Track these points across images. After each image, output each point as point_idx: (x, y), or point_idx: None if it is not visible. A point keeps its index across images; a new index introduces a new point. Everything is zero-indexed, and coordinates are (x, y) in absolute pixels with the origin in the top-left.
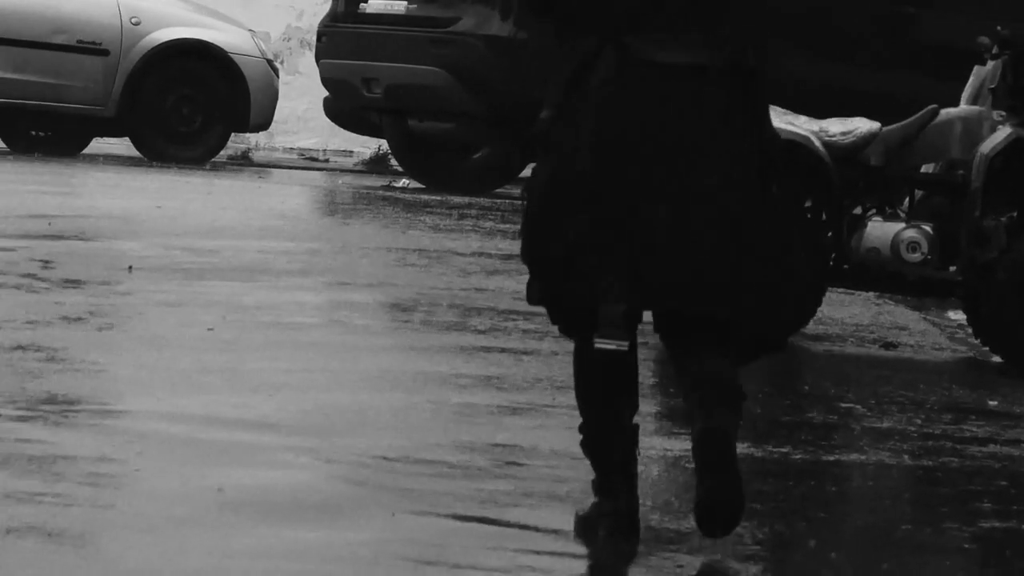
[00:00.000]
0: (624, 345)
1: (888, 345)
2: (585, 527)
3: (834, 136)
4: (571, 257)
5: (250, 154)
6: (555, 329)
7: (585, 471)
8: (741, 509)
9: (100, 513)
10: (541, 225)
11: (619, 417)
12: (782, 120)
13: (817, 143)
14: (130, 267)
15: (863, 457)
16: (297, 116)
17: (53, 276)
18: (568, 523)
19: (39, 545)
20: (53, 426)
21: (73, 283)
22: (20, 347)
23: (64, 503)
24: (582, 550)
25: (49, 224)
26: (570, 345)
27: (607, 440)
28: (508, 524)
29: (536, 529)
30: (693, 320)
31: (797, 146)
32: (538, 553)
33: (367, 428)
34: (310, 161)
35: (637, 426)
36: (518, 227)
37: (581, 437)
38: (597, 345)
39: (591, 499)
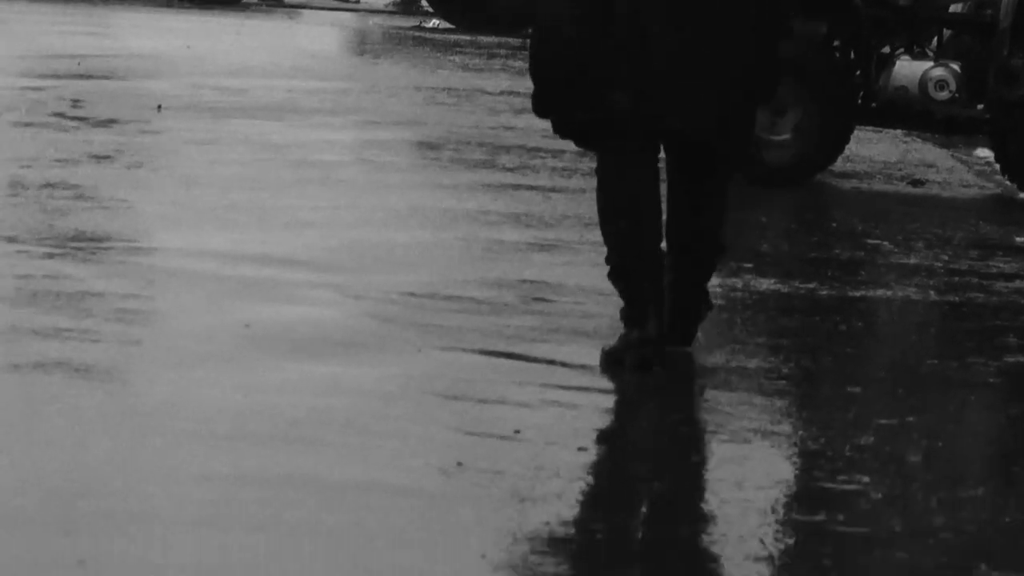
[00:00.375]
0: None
1: (916, 182)
2: (610, 361)
3: None
4: (581, 69)
5: None
6: (583, 166)
7: (612, 307)
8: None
9: (127, 349)
10: (552, 39)
11: (643, 237)
12: None
13: None
14: (159, 106)
15: (889, 293)
16: None
17: (82, 115)
18: (594, 358)
19: (66, 380)
20: (81, 263)
21: (102, 122)
22: (49, 185)
23: (92, 339)
24: (608, 384)
25: (78, 64)
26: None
27: (633, 263)
28: (534, 359)
29: (563, 364)
30: (692, 147)
31: None
32: (564, 388)
33: (394, 265)
34: (341, 2)
35: (663, 252)
36: None
37: (608, 268)
38: (611, 158)
39: (618, 333)
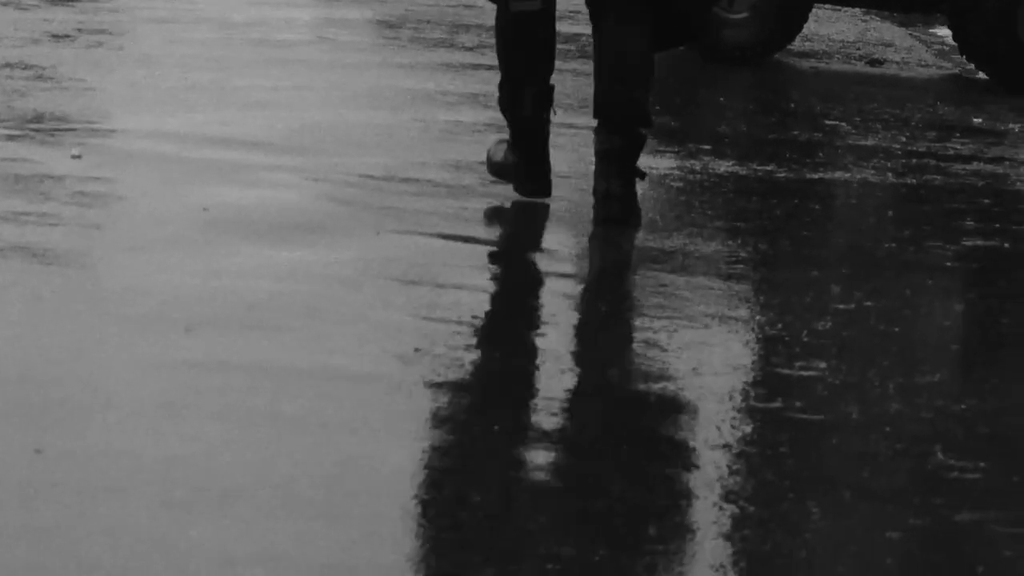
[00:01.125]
0: (536, 5)
1: (874, 62)
2: (500, 170)
3: None
4: None
5: None
6: None
7: (570, 189)
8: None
9: (86, 232)
10: None
11: (534, 71)
12: None
13: None
14: None
15: (847, 175)
16: None
17: None
18: (554, 243)
19: (24, 264)
20: (39, 145)
21: (61, 0)
22: (8, 65)
23: (50, 223)
24: (567, 268)
25: None
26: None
27: (521, 92)
28: (492, 243)
29: (523, 250)
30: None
31: None
32: (534, 272)
33: (353, 147)
34: None
35: (553, 87)
36: None
37: (498, 95)
38: (512, 8)
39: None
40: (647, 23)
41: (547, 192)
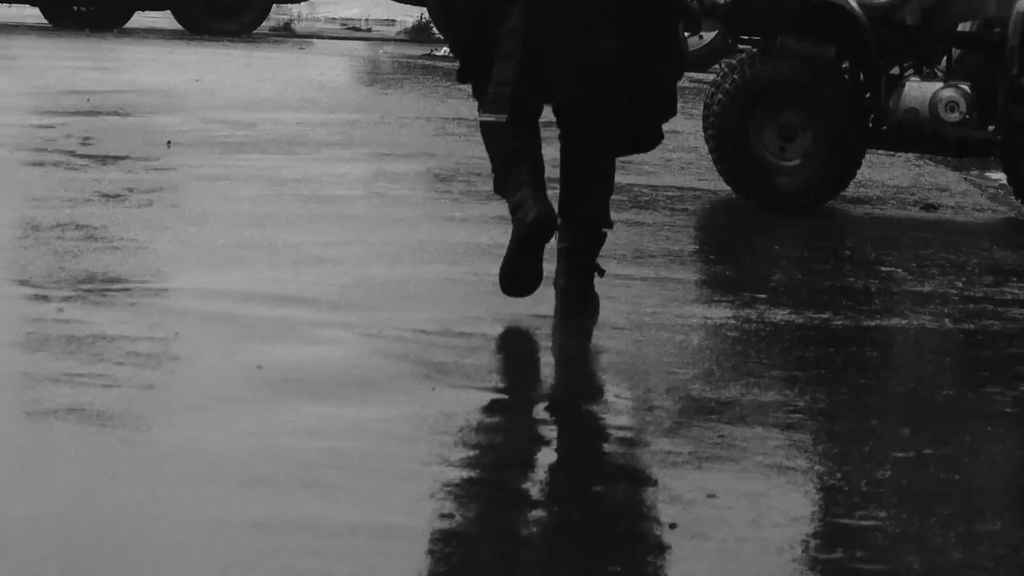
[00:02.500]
0: (501, 118)
1: (928, 206)
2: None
3: None
4: (489, 53)
5: (292, 25)
6: None
7: (616, 355)
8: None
9: (139, 393)
10: (468, 23)
11: (526, 150)
12: None
13: (853, 4)
14: (169, 142)
15: (904, 322)
16: None
17: (92, 152)
18: (610, 395)
19: (79, 426)
20: (92, 305)
21: (112, 159)
22: (59, 225)
23: (103, 383)
24: (622, 420)
25: (88, 100)
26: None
27: (514, 170)
28: (548, 396)
29: (577, 402)
30: (582, 114)
31: (834, 7)
32: (588, 426)
33: (406, 301)
34: (352, 31)
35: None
36: None
37: (493, 179)
38: (481, 118)
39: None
40: (608, 141)
41: (551, 221)
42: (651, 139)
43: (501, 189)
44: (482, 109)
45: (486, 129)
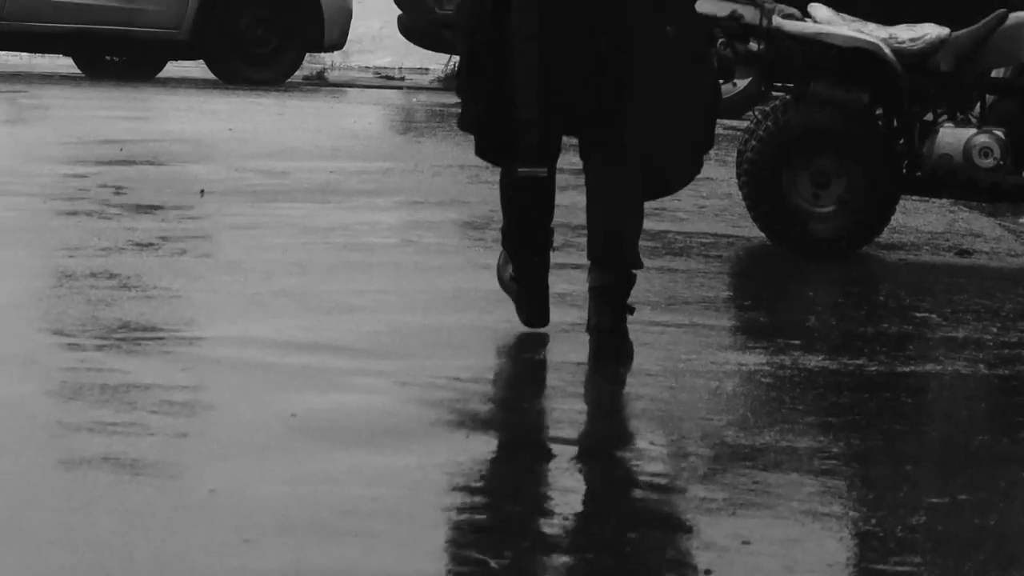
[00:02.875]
0: (543, 172)
1: (963, 252)
2: (504, 287)
3: (903, 42)
4: (496, 98)
5: (325, 74)
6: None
7: (658, 387)
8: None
9: (173, 441)
10: (473, 66)
11: (534, 229)
12: (851, 28)
13: (887, 50)
14: (202, 191)
15: (939, 367)
16: (372, 35)
17: (125, 202)
18: (643, 442)
19: (113, 475)
20: (125, 354)
21: (145, 208)
22: (92, 275)
23: (137, 432)
24: (656, 467)
25: (121, 150)
26: (642, 259)
27: (522, 243)
28: (582, 443)
29: (610, 449)
30: (601, 143)
31: (866, 54)
32: (622, 473)
33: (441, 349)
34: (385, 80)
35: (552, 231)
36: None
37: (501, 236)
38: (520, 172)
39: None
40: (634, 168)
41: (544, 321)
42: (677, 178)
43: (506, 245)
44: (520, 163)
45: (516, 184)
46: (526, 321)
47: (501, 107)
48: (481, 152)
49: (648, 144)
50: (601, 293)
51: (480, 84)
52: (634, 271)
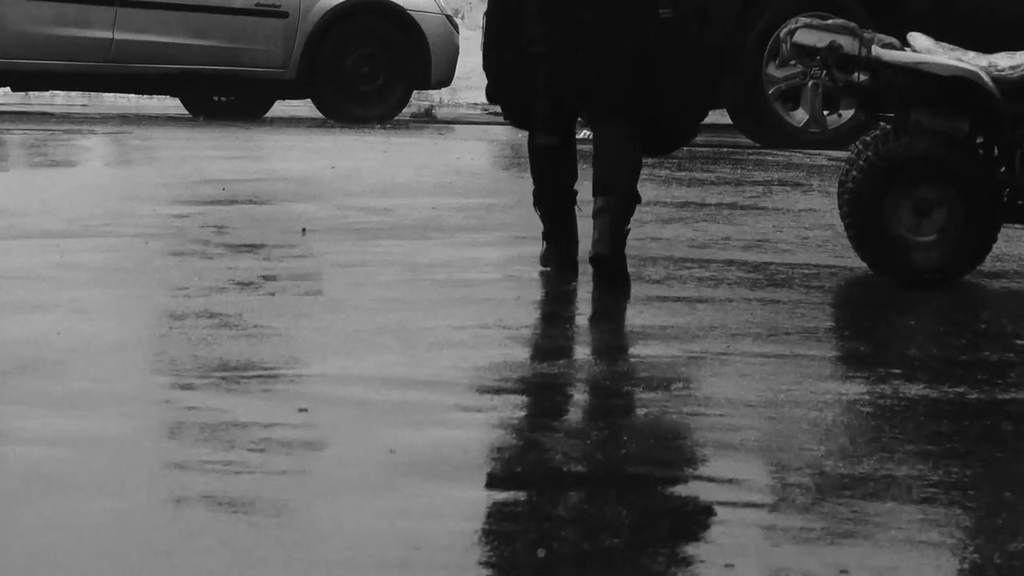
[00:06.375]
0: (553, 140)
1: None
2: (544, 261)
3: (1003, 70)
4: (517, 69)
5: (433, 111)
6: (730, 276)
7: (759, 418)
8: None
9: (271, 479)
10: (496, 43)
11: (559, 185)
12: (950, 56)
13: (986, 78)
14: (303, 229)
15: None
16: (479, 71)
17: (226, 241)
18: (743, 472)
19: (210, 514)
20: (224, 392)
21: (246, 248)
22: (193, 314)
23: (235, 471)
24: (755, 497)
25: (223, 189)
26: (744, 290)
27: (550, 200)
28: (684, 478)
29: (710, 480)
30: (608, 112)
31: (966, 82)
32: (722, 504)
33: (542, 386)
34: (493, 115)
35: (576, 191)
36: (693, 174)
37: (532, 199)
38: (536, 141)
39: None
40: (635, 128)
41: (571, 272)
42: (683, 135)
43: (537, 204)
44: (538, 131)
45: (537, 150)
46: (553, 266)
47: (517, 82)
48: (505, 118)
49: (653, 109)
50: (600, 214)
51: (500, 57)
52: (632, 203)
